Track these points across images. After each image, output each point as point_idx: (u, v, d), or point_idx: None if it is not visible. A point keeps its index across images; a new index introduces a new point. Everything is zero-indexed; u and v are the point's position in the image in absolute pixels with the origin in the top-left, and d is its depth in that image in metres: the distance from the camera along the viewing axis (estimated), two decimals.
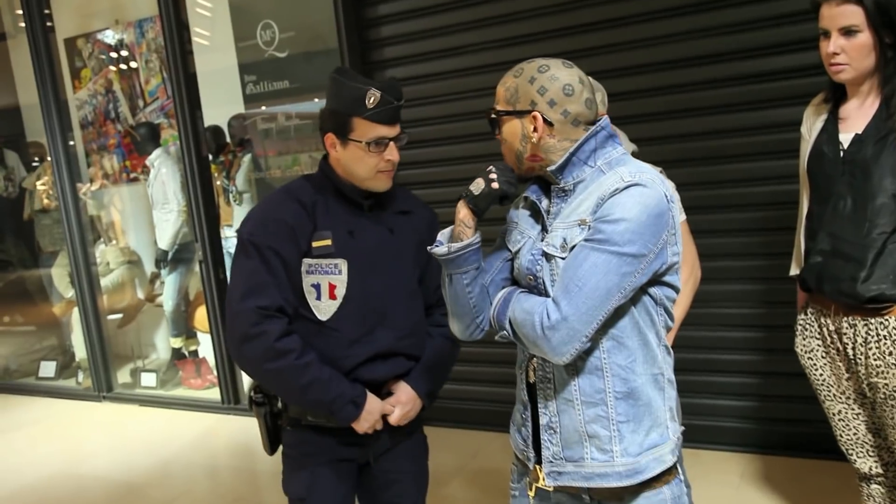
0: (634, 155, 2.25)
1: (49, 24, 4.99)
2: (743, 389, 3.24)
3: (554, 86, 1.39)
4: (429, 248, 1.48)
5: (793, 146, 2.21)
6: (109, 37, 5.11)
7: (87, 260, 5.06)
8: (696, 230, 2.30)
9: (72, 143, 5.18)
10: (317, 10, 3.83)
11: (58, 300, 5.59)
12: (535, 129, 1.39)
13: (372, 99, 1.68)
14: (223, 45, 4.31)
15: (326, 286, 1.78)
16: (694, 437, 2.83)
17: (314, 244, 1.77)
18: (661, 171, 2.23)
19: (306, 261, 1.77)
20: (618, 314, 1.35)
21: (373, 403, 1.80)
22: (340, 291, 1.78)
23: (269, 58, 4.07)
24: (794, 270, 2.12)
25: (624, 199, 1.31)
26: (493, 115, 1.46)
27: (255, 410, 1.91)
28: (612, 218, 1.30)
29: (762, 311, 3.16)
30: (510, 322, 1.41)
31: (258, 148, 4.61)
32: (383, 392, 1.86)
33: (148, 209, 5.09)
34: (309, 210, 1.77)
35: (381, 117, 1.70)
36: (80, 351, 5.27)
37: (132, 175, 5.31)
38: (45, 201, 5.48)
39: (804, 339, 2.08)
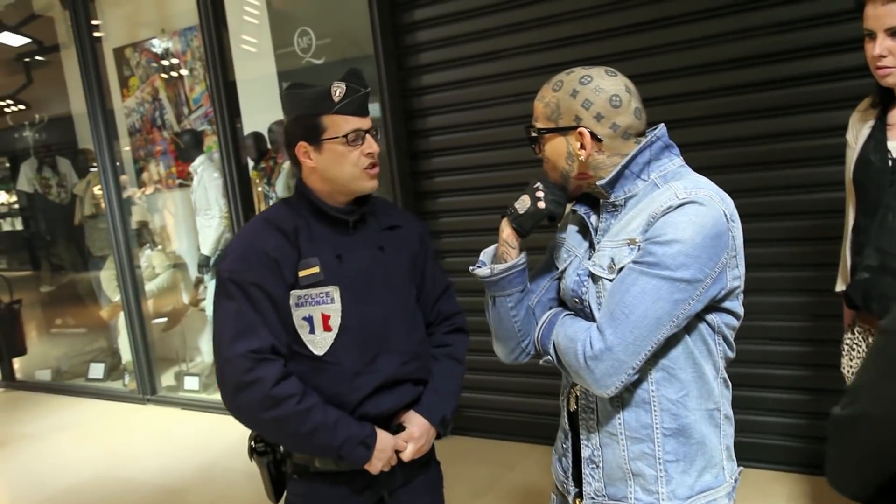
0: None
1: (96, 34, 5.09)
2: (790, 406, 3.10)
3: (599, 98, 1.28)
4: (470, 268, 1.39)
5: (841, 151, 2.09)
6: (156, 46, 5.21)
7: (131, 264, 5.14)
8: None
9: (126, 148, 5.29)
10: (353, 17, 3.81)
11: (106, 303, 5.71)
12: (583, 147, 1.28)
13: (338, 91, 1.59)
14: (262, 52, 4.33)
15: (319, 317, 1.65)
16: (738, 454, 2.71)
17: (301, 274, 1.63)
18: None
19: (294, 293, 1.63)
20: (670, 343, 1.25)
21: (384, 442, 1.67)
22: (335, 321, 1.65)
23: (306, 65, 4.06)
24: (839, 286, 2.00)
25: (677, 218, 1.19)
26: (534, 134, 1.35)
27: (256, 460, 1.77)
28: (663, 239, 1.19)
29: (810, 325, 3.01)
30: (554, 347, 1.32)
31: None
32: (393, 426, 1.73)
33: (192, 215, 5.17)
34: (291, 237, 1.64)
35: (351, 108, 1.60)
36: (125, 354, 5.37)
37: (178, 181, 5.41)
38: (102, 205, 5.62)
39: (851, 360, 1.96)
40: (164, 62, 5.21)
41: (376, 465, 1.67)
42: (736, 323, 1.32)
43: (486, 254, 1.42)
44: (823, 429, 3.03)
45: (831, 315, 2.83)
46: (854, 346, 1.95)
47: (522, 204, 1.35)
